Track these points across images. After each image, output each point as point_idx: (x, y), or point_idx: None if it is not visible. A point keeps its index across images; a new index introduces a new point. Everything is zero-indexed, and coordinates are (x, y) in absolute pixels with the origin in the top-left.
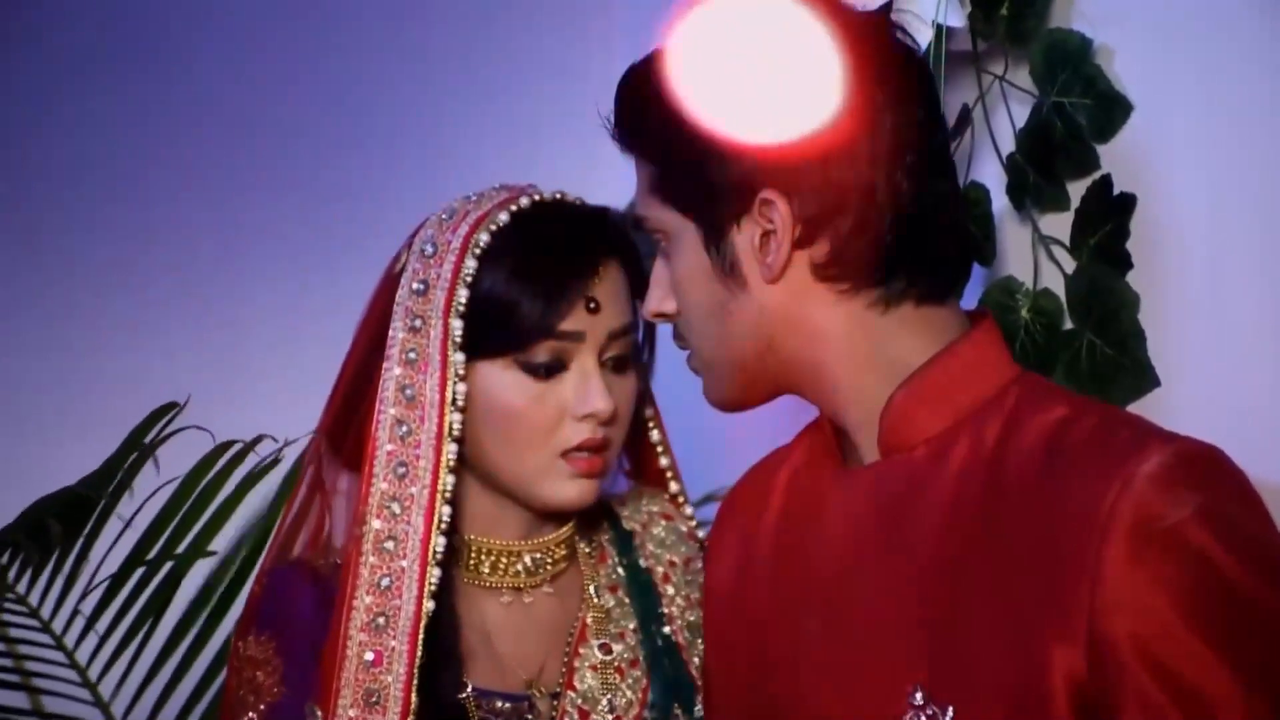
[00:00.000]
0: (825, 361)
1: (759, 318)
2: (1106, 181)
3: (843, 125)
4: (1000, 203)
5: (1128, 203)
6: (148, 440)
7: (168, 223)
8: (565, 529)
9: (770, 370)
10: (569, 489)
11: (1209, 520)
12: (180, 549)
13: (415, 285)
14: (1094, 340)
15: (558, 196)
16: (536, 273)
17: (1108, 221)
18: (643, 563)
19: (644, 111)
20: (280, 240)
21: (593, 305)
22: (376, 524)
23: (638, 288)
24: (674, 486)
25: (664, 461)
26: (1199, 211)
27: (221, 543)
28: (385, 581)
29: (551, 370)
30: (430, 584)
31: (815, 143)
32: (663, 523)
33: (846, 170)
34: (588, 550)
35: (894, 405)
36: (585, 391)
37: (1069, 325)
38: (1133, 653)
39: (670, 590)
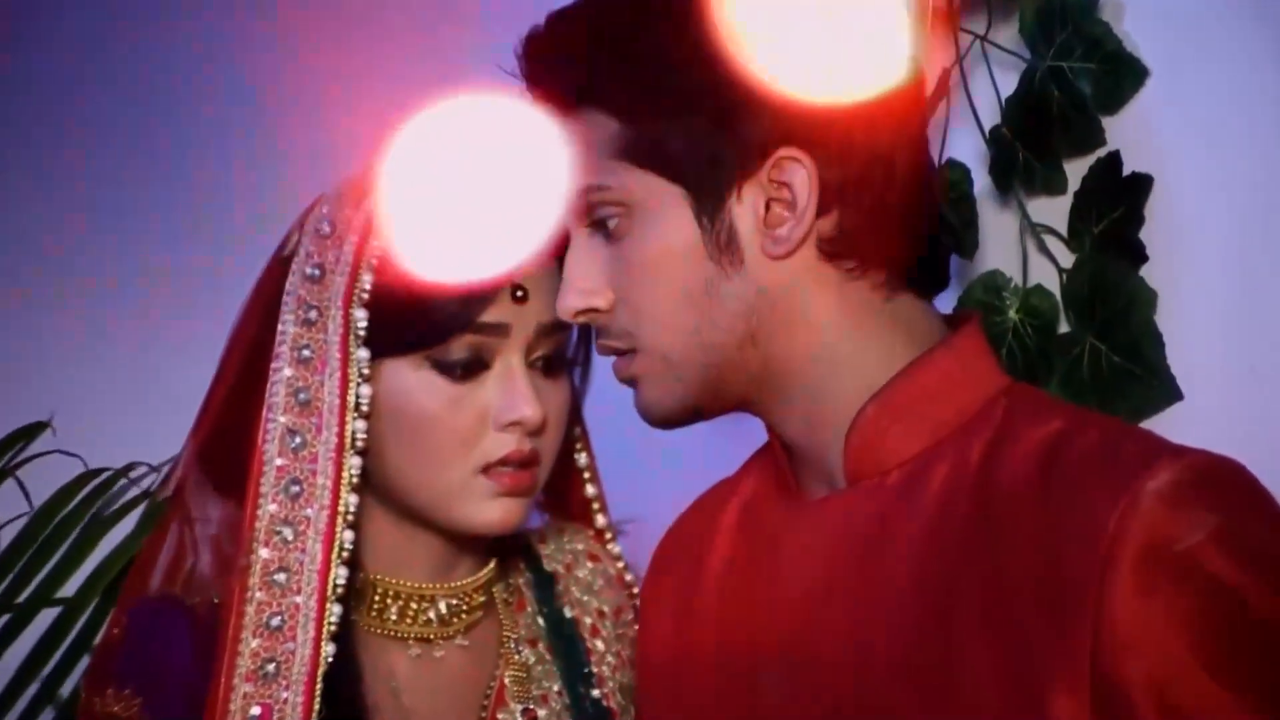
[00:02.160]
0: (810, 358)
1: (754, 301)
2: (1114, 159)
3: (887, 77)
4: (982, 184)
5: (1142, 184)
6: (5, 464)
7: (34, 221)
8: (485, 571)
9: (742, 370)
10: (491, 510)
11: (1228, 543)
12: (25, 594)
13: (309, 270)
14: (1098, 345)
15: None
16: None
17: (1116, 206)
18: (567, 611)
19: (617, 51)
20: (166, 239)
21: (520, 294)
22: (264, 553)
23: None
24: (600, 520)
25: (590, 490)
26: (1224, 194)
27: (76, 584)
28: (275, 621)
29: (470, 369)
30: (329, 624)
31: (857, 95)
32: (589, 564)
33: (878, 131)
34: (505, 596)
35: (863, 422)
36: (510, 395)
37: (1065, 327)
38: (1147, 700)
39: (600, 645)
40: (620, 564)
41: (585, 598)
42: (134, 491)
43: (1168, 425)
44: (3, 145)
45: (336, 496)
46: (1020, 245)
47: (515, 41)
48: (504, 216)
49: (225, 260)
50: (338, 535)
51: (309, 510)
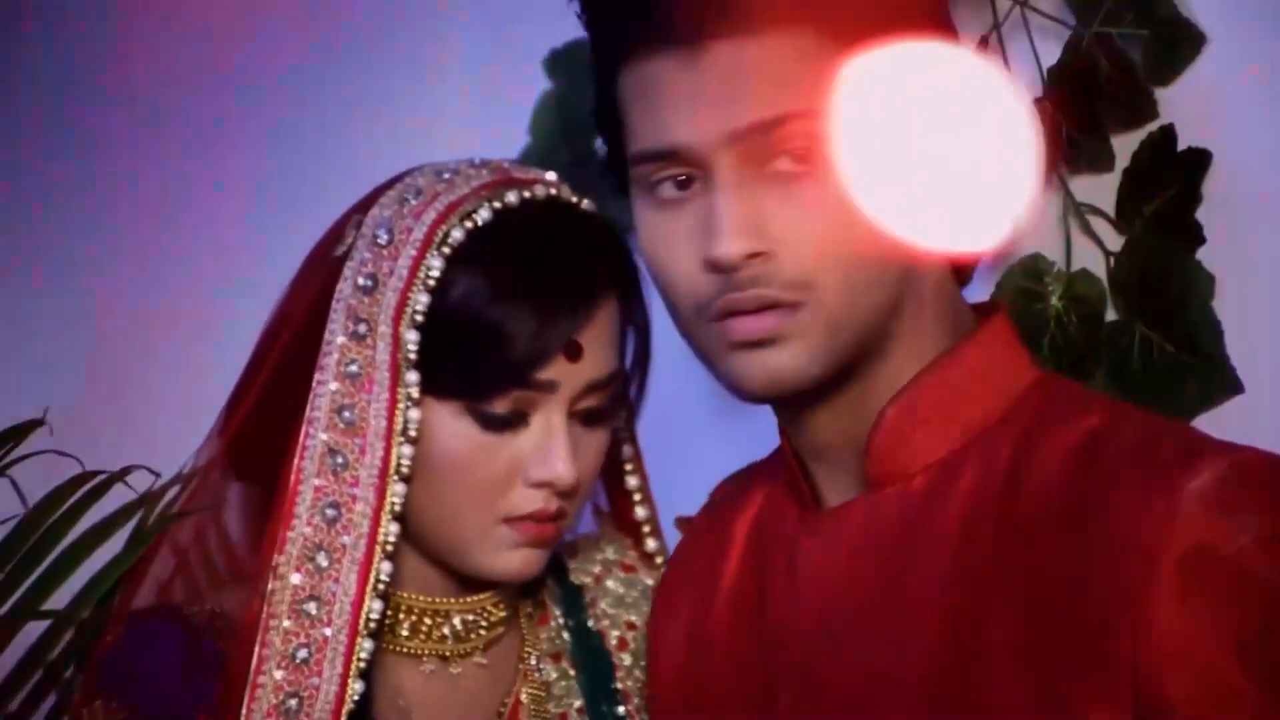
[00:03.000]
0: (898, 334)
1: (908, 265)
2: (1169, 134)
3: None
4: None
5: (1200, 160)
6: None
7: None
8: (501, 586)
9: (871, 342)
10: (510, 559)
11: (1275, 546)
12: (10, 602)
13: (362, 279)
14: (1149, 335)
15: (552, 194)
16: (518, 304)
17: (1170, 184)
18: (592, 624)
19: None
20: (172, 237)
21: (575, 352)
22: (296, 579)
23: (630, 321)
24: (651, 544)
25: (641, 513)
26: None
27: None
28: (303, 654)
29: (509, 423)
30: (359, 660)
31: None
32: (621, 575)
33: None
34: (529, 610)
35: (885, 424)
36: (546, 453)
37: (1113, 316)
38: (1191, 716)
39: (627, 659)
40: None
41: (615, 610)
42: (130, 496)
43: (1227, 420)
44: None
45: (377, 524)
46: (1063, 227)
47: None
48: (576, 266)
49: (232, 262)
50: (375, 566)
51: (346, 538)
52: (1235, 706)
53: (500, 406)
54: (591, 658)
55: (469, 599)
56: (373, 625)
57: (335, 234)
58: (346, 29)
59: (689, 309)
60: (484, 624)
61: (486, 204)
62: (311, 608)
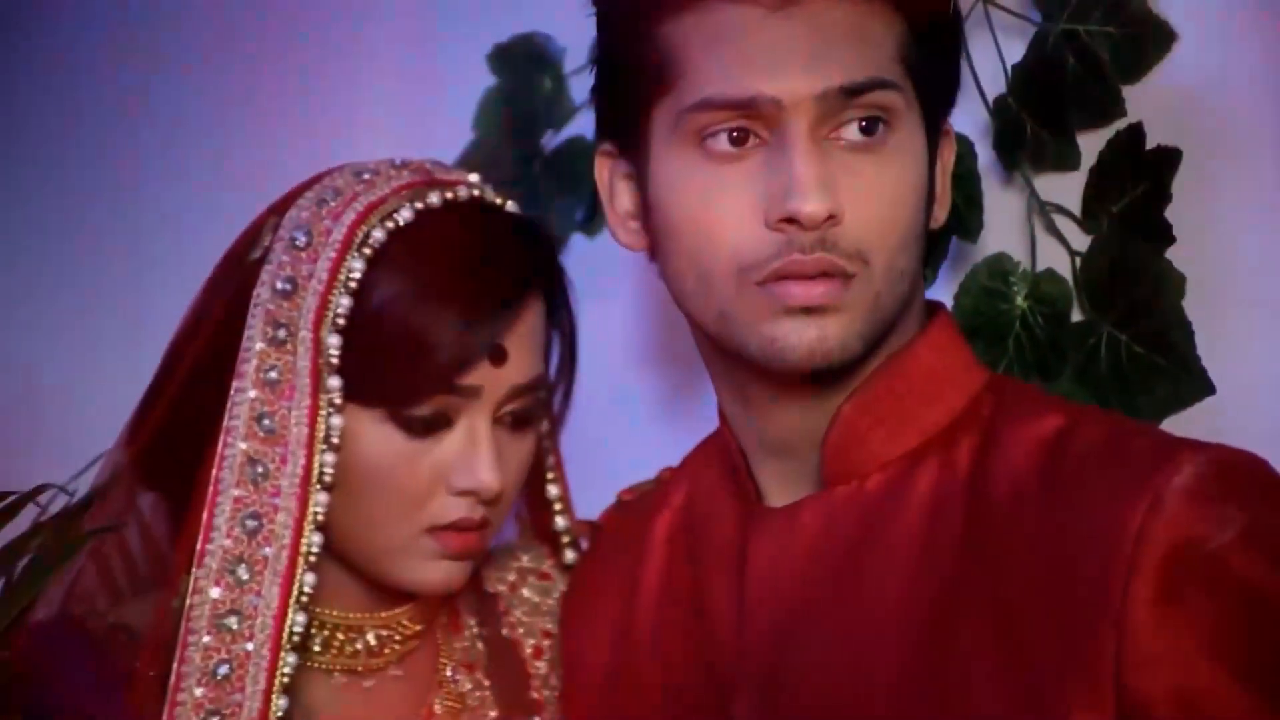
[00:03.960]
0: (906, 312)
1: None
2: (1136, 132)
3: None
4: (985, 159)
5: (1169, 159)
6: None
7: None
8: (417, 600)
9: (896, 317)
10: (433, 572)
11: (1256, 541)
12: None
13: (281, 283)
14: (1117, 335)
15: (475, 195)
16: (442, 307)
17: (1138, 183)
18: (506, 633)
19: None
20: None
21: (500, 356)
22: (215, 592)
23: (555, 325)
24: (569, 555)
25: (560, 523)
26: (1259, 171)
27: None
28: (223, 670)
29: (432, 427)
30: (282, 675)
31: None
32: (537, 583)
33: None
34: (442, 619)
35: (841, 422)
36: (471, 461)
37: (1079, 316)
38: (1173, 713)
39: (542, 668)
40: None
41: (530, 619)
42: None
43: (1198, 421)
44: None
45: (299, 535)
46: (1028, 226)
47: None
48: (500, 269)
49: (137, 262)
50: (297, 578)
51: (267, 549)
52: (1219, 705)
53: (423, 412)
54: (506, 668)
55: (383, 614)
56: (296, 639)
57: (250, 237)
58: (288, 20)
59: (730, 269)
60: (398, 638)
61: (408, 204)
62: (232, 622)
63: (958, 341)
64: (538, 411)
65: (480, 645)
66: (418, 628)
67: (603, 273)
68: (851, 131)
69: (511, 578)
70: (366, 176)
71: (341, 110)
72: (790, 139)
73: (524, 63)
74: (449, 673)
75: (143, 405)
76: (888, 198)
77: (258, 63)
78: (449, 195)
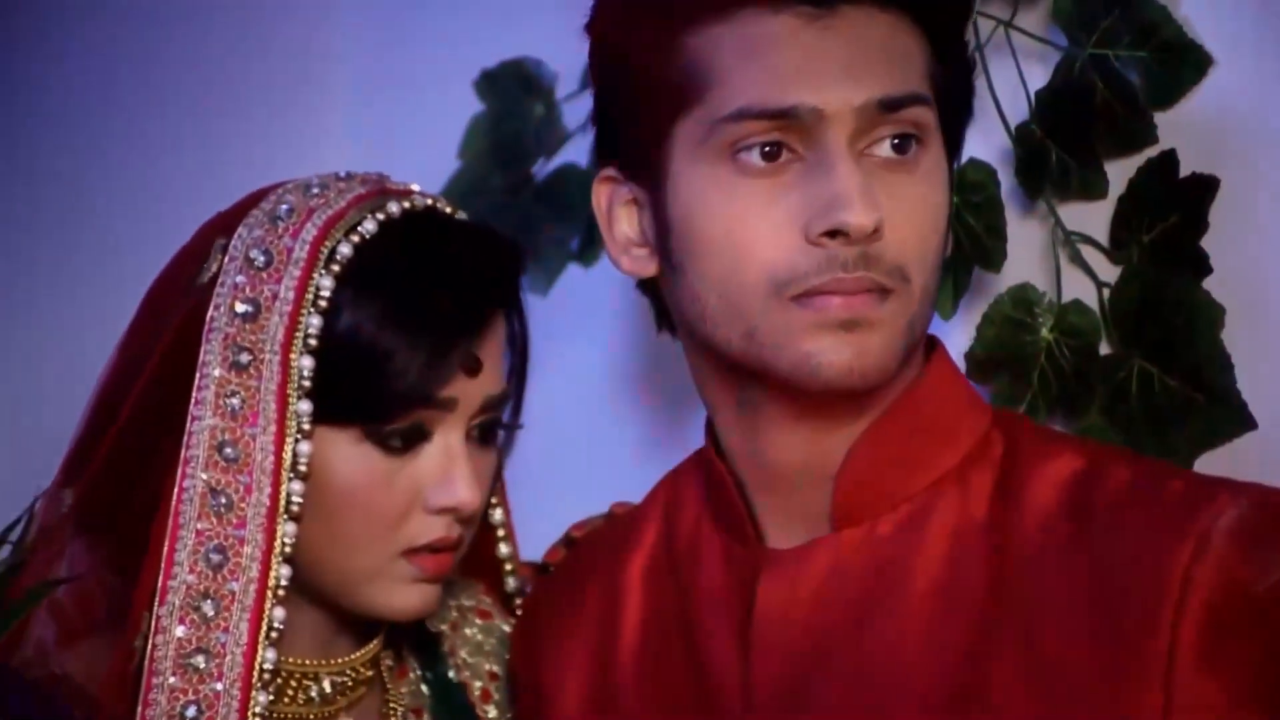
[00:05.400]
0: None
1: None
2: (1169, 159)
3: None
4: (1007, 188)
5: (1204, 186)
6: None
7: None
8: (373, 643)
9: (920, 343)
10: (409, 596)
11: None
12: None
13: (241, 305)
14: (1148, 368)
15: (430, 203)
16: (417, 319)
17: (1171, 212)
18: (453, 675)
19: None
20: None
21: (475, 366)
22: (180, 631)
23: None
24: (511, 583)
25: (503, 550)
26: None
27: None
28: (191, 712)
29: (409, 442)
30: (254, 715)
31: None
32: (478, 622)
33: None
34: (388, 661)
35: (856, 458)
36: (448, 477)
37: (1108, 349)
38: None
39: (492, 712)
40: (513, 623)
41: (474, 660)
42: None
43: (1237, 458)
44: None
45: (267, 568)
46: (1053, 256)
47: None
48: (470, 278)
49: (74, 281)
50: (266, 613)
51: (234, 584)
52: None
53: (401, 427)
54: (454, 712)
55: (339, 660)
56: (267, 677)
57: (192, 258)
58: (264, 44)
59: (763, 286)
60: (350, 685)
61: (369, 216)
62: (199, 661)
63: (960, 376)
64: (502, 425)
65: (425, 689)
66: (370, 674)
67: (586, 305)
68: (884, 148)
69: (453, 616)
70: (316, 190)
71: (321, 138)
72: (831, 150)
73: (513, 88)
74: (399, 717)
75: (82, 441)
76: (923, 216)
77: (234, 90)
78: (406, 205)
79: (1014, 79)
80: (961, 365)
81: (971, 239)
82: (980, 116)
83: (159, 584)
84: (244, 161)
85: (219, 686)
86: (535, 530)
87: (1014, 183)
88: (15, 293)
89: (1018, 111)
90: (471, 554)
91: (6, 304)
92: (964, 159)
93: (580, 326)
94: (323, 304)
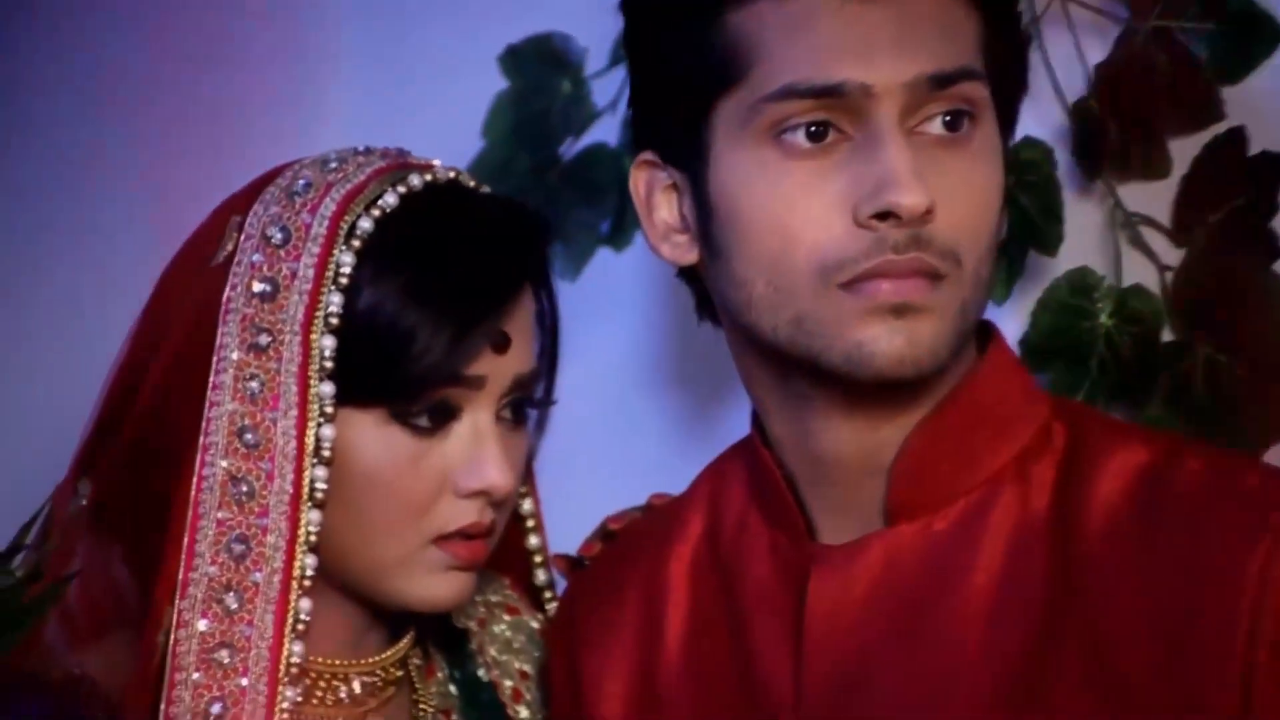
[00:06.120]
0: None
1: None
2: (1237, 137)
3: None
4: (1063, 167)
5: (1276, 165)
6: None
7: None
8: (404, 641)
9: (973, 331)
10: (441, 586)
11: None
12: None
13: (258, 285)
14: (1214, 356)
15: (452, 176)
16: (442, 295)
17: (1238, 192)
18: (483, 674)
19: None
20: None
21: (503, 343)
22: (203, 625)
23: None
24: (541, 576)
25: (533, 541)
26: None
27: None
28: (216, 709)
29: (437, 422)
30: (280, 710)
31: None
32: (506, 618)
33: None
34: (416, 660)
35: (911, 450)
36: (478, 459)
37: (1170, 336)
38: None
39: (524, 713)
40: (542, 618)
41: (504, 657)
42: None
43: None
44: None
45: (291, 557)
46: (1113, 238)
47: None
48: (496, 251)
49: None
50: (292, 604)
51: (257, 574)
52: None
53: (428, 407)
54: (484, 713)
55: (369, 660)
56: (294, 671)
57: (208, 238)
58: (279, 20)
59: (811, 271)
60: (380, 685)
61: (390, 189)
62: (224, 656)
63: (1018, 364)
64: (533, 405)
65: (453, 689)
66: (399, 673)
67: (617, 290)
68: (936, 126)
69: (480, 612)
70: (334, 165)
71: (337, 116)
72: (881, 129)
73: (540, 65)
74: (430, 718)
75: (97, 431)
76: (977, 197)
77: (246, 64)
78: (428, 178)
79: (1071, 53)
80: (1016, 353)
81: (1026, 221)
82: (1036, 92)
83: (180, 577)
84: (256, 142)
85: (244, 682)
86: (560, 522)
87: (1071, 162)
88: (19, 286)
89: (1075, 87)
90: (497, 546)
91: (11, 298)
92: (1018, 137)
93: (610, 313)
94: (343, 281)
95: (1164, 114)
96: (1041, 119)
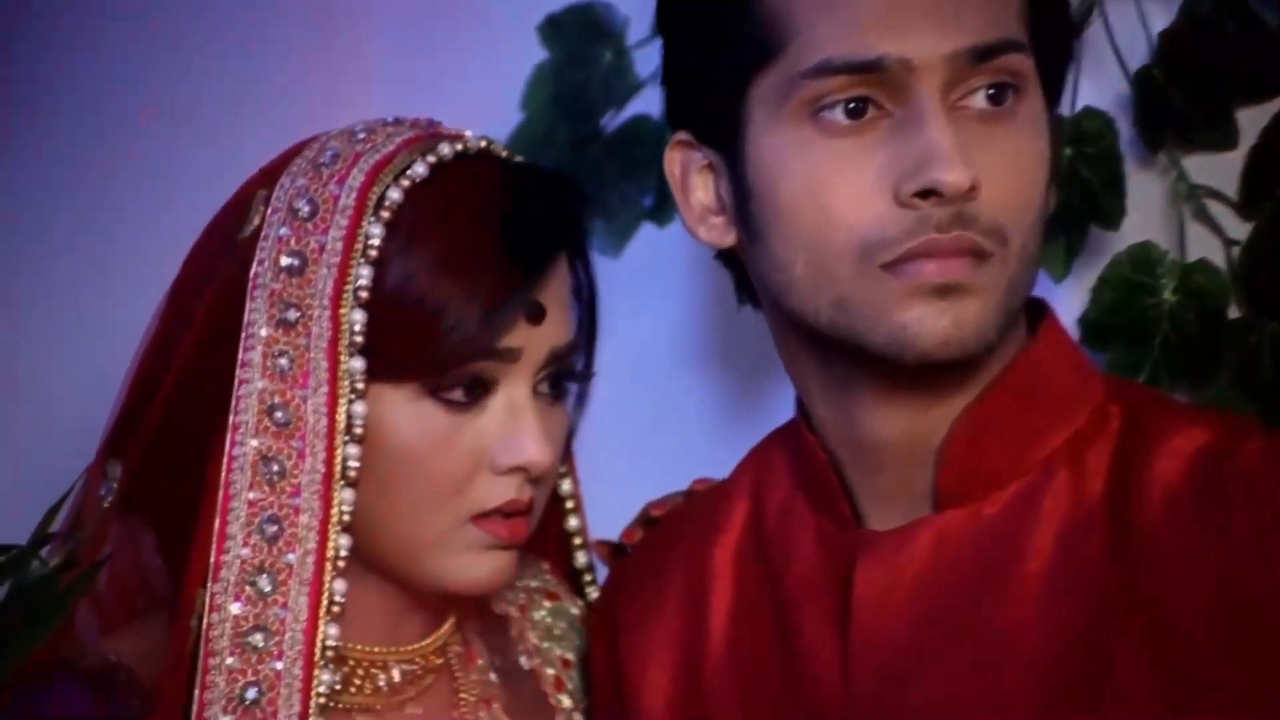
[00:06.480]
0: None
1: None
2: None
3: None
4: (1125, 138)
5: None
6: None
7: None
8: (445, 627)
9: (1020, 310)
10: (479, 565)
11: None
12: None
13: (286, 259)
14: None
15: (485, 146)
16: (474, 266)
17: None
18: (524, 662)
19: None
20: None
21: (538, 313)
22: (235, 608)
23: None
24: (580, 559)
25: (573, 523)
26: None
27: None
28: (252, 694)
29: (472, 396)
30: (317, 695)
31: None
32: (546, 604)
33: None
34: (457, 647)
35: (960, 434)
36: (515, 434)
37: (1236, 313)
38: None
39: (566, 702)
40: (582, 604)
41: (546, 644)
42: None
43: None
44: None
45: (325, 537)
46: (1176, 213)
47: None
48: (528, 220)
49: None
50: (326, 586)
51: (290, 555)
52: None
53: (462, 381)
54: (526, 702)
55: (409, 647)
56: (330, 654)
57: (235, 212)
58: None
59: (851, 252)
60: (420, 673)
61: (420, 159)
62: (258, 639)
63: (1073, 344)
64: (573, 378)
65: (493, 677)
66: (439, 661)
67: (661, 267)
68: (979, 100)
69: (520, 599)
70: (362, 135)
71: (370, 87)
72: (922, 104)
73: (580, 34)
74: (472, 706)
75: (125, 413)
76: (1023, 172)
77: (277, 35)
78: (459, 147)
79: (1134, 18)
80: (1075, 332)
81: (1087, 194)
82: (1097, 60)
83: (211, 559)
84: (287, 115)
85: (279, 665)
86: (600, 508)
87: (1133, 132)
88: (19, 286)
89: (1138, 54)
90: (540, 528)
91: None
92: (1078, 106)
93: (654, 290)
94: (373, 254)
95: (1231, 82)
96: (1102, 88)
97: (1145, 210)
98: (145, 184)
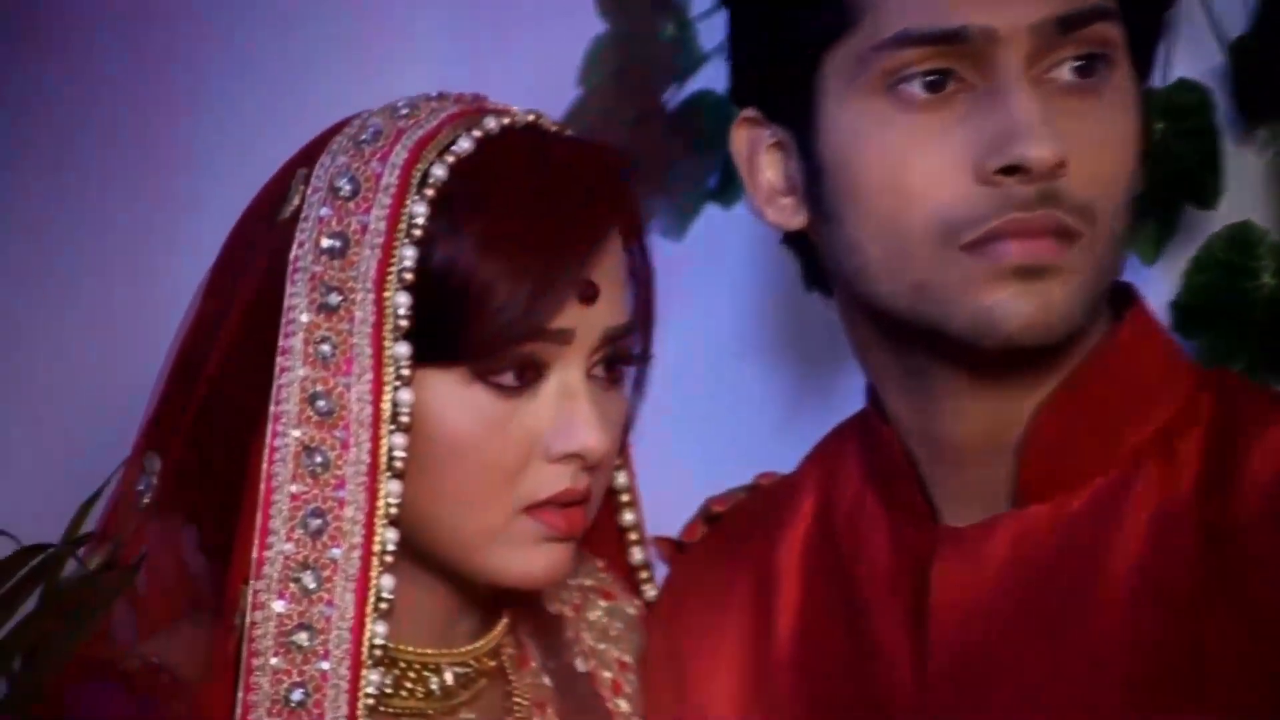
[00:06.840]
0: None
1: None
2: None
3: None
4: (1222, 112)
5: None
6: None
7: None
8: (498, 628)
9: (1106, 294)
10: (534, 559)
11: None
12: None
13: (327, 240)
14: None
15: (532, 119)
16: (522, 243)
17: None
18: (580, 664)
19: None
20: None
21: (590, 293)
22: (279, 606)
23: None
24: (637, 555)
25: (628, 518)
26: None
27: None
28: (298, 695)
29: (524, 380)
30: (365, 696)
31: None
32: (602, 604)
33: None
34: (510, 649)
35: (1042, 427)
36: (570, 420)
37: None
38: None
39: (624, 705)
40: (640, 603)
41: (602, 645)
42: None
43: None
44: None
45: (371, 532)
46: (1276, 191)
47: None
48: (579, 196)
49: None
50: (373, 582)
51: (335, 550)
52: None
53: (512, 365)
54: (583, 706)
55: (462, 648)
56: (378, 654)
57: (275, 193)
58: None
59: (931, 232)
60: (473, 676)
61: (465, 134)
62: (303, 638)
63: (1162, 330)
64: (630, 361)
65: (547, 680)
66: (492, 664)
67: (725, 250)
68: (1066, 72)
69: (575, 598)
70: (405, 111)
71: (420, 62)
72: (1006, 76)
73: (641, 6)
74: (526, 711)
75: (164, 404)
76: (1112, 148)
77: (326, 13)
78: (506, 121)
79: None
80: (1164, 318)
81: (1180, 172)
82: (1190, 29)
83: (254, 555)
84: (333, 92)
85: (325, 666)
86: (659, 503)
87: (1230, 105)
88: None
89: (1234, 23)
90: (594, 523)
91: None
92: (1172, 78)
93: (718, 274)
94: (417, 233)
95: None
96: (1197, 59)
97: (1243, 188)
98: (210, 139)
